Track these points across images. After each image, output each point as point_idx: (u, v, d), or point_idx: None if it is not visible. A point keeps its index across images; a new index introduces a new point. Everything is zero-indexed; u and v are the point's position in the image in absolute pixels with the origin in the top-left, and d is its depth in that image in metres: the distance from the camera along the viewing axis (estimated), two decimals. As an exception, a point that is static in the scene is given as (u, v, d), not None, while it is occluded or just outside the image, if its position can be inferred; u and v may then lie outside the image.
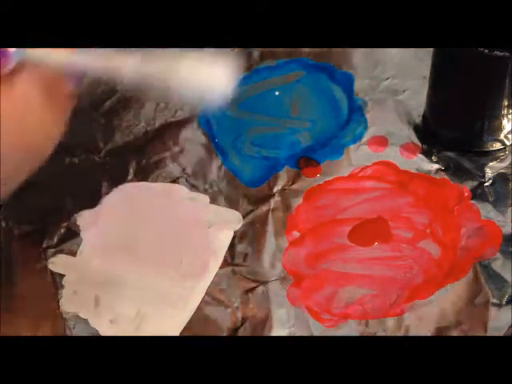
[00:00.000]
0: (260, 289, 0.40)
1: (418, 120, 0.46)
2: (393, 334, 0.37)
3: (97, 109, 0.49)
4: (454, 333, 0.37)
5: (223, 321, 0.39)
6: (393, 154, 0.45)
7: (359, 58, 0.50)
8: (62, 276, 0.41)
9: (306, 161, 0.45)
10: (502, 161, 0.43)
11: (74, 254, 0.42)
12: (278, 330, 0.38)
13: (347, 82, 0.49)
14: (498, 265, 0.39)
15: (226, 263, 0.41)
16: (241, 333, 0.38)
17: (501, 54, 0.38)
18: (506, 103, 0.41)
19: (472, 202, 0.42)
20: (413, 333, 0.37)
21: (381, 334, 0.37)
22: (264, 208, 0.43)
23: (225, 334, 0.38)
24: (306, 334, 0.38)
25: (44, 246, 0.43)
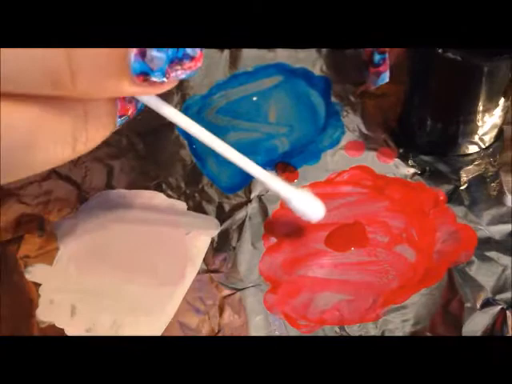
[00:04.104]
0: (237, 295, 0.40)
1: (394, 124, 0.46)
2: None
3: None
4: (429, 337, 0.37)
5: (200, 328, 0.39)
6: (369, 159, 0.45)
7: (336, 62, 0.50)
8: (38, 285, 0.41)
9: (283, 166, 0.45)
10: (477, 164, 0.44)
11: (50, 262, 0.42)
12: (255, 337, 0.38)
13: (325, 87, 0.49)
14: (473, 269, 0.39)
15: (203, 270, 0.41)
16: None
17: (476, 62, 0.38)
18: (480, 108, 0.41)
19: (447, 205, 0.42)
20: (389, 338, 0.37)
21: (357, 339, 0.37)
22: (241, 214, 0.43)
23: (201, 342, 0.38)
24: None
25: (20, 255, 0.42)
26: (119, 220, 0.44)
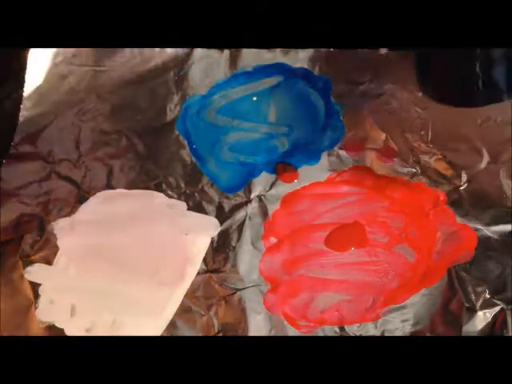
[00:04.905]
0: (237, 295, 0.40)
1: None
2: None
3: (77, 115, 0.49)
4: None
5: (200, 328, 0.39)
6: (369, 159, 0.45)
7: (336, 62, 0.50)
8: (38, 285, 0.41)
9: (283, 166, 0.45)
10: (476, 165, 0.44)
11: (50, 262, 0.42)
12: (255, 337, 0.38)
13: (324, 87, 0.49)
14: (473, 269, 0.39)
15: (202, 270, 0.41)
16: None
17: None
18: None
19: (447, 206, 0.42)
20: (388, 338, 0.37)
21: (357, 339, 0.37)
22: (241, 214, 0.43)
23: (201, 342, 0.38)
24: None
25: (20, 255, 0.42)
26: (119, 220, 0.44)
